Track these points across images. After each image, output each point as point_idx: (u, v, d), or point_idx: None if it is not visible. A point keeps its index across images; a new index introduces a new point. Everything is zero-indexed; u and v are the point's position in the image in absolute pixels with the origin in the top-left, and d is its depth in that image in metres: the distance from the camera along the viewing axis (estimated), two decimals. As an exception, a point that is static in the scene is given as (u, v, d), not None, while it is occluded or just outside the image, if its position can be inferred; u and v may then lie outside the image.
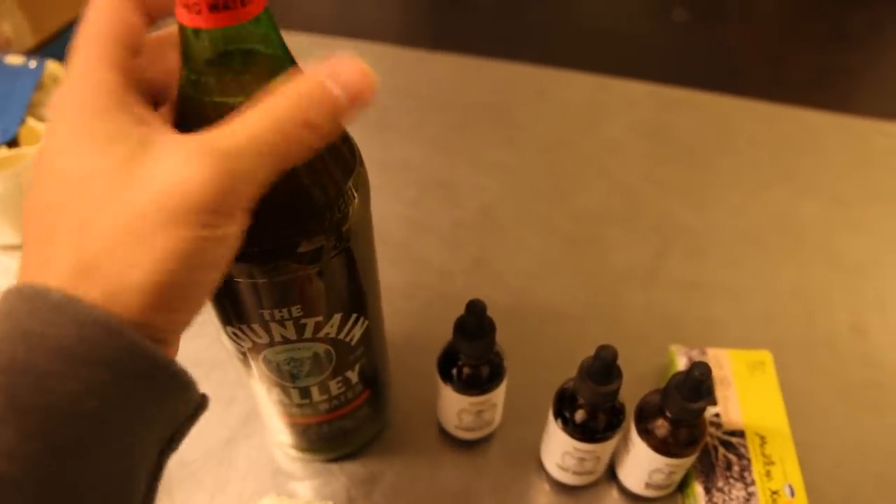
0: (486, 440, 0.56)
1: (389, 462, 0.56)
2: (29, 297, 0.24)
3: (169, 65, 0.30)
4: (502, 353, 0.51)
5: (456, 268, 0.68)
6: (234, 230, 0.26)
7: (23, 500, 0.21)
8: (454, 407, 0.52)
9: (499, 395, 0.51)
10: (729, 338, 0.61)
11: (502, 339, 0.49)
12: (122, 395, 0.24)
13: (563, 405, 0.48)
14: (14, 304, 0.24)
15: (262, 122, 0.26)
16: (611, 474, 0.54)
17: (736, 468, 0.52)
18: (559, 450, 0.50)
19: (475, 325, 0.46)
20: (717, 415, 0.54)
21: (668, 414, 0.46)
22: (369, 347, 0.45)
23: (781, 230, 0.70)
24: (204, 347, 0.61)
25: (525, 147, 0.77)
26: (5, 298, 0.24)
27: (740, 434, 0.54)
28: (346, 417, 0.50)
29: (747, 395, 0.56)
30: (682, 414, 0.45)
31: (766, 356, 0.58)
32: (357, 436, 0.54)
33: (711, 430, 0.54)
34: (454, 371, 0.49)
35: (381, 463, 0.56)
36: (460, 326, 0.47)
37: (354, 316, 0.41)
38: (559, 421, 0.48)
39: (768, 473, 0.51)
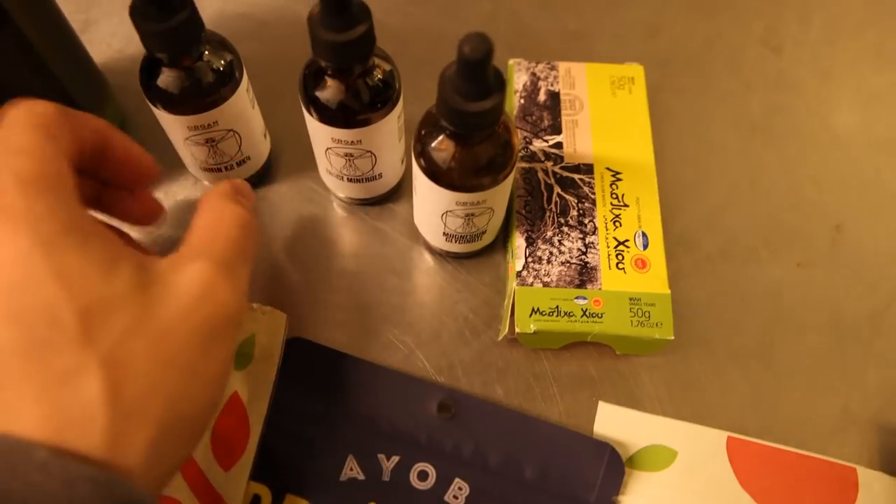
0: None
1: None
2: (6, 453, 0.20)
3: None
4: (235, 59, 0.35)
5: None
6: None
7: None
8: (178, 134, 0.36)
9: (232, 111, 0.35)
10: (597, 56, 0.44)
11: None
12: None
13: (310, 85, 0.33)
14: None
15: (236, 232, 0.27)
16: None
17: (573, 213, 0.37)
18: (321, 147, 0.36)
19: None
20: (557, 144, 0.39)
21: (445, 125, 0.30)
22: None
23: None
24: None
25: None
26: None
27: (587, 169, 0.39)
28: None
29: (603, 119, 0.40)
30: (461, 121, 0.29)
31: (635, 70, 0.42)
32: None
33: (547, 164, 0.39)
34: (154, 83, 0.34)
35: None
36: (133, 7, 0.30)
37: None
38: (312, 110, 0.33)
39: (616, 220, 0.37)
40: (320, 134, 0.34)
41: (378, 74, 0.33)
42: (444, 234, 0.36)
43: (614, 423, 0.35)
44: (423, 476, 0.32)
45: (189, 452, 0.25)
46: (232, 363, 0.25)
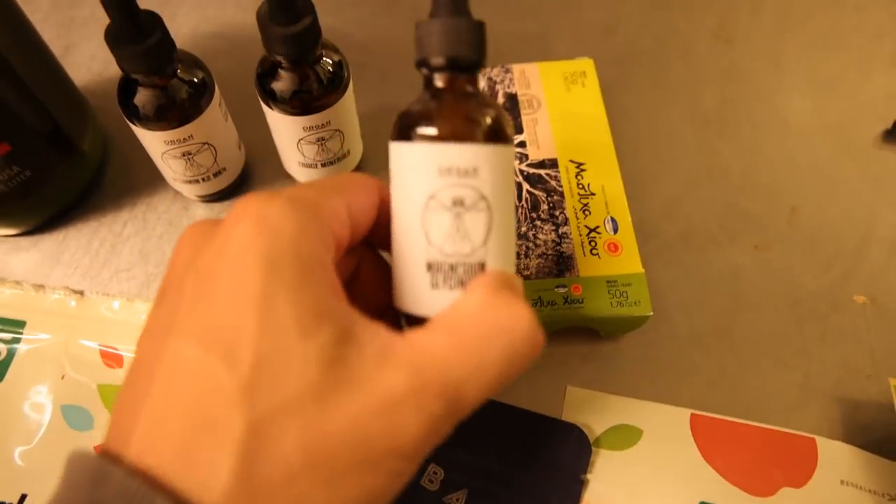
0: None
1: (103, 215, 0.43)
2: (125, 494, 0.18)
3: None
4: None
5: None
6: (417, 468, 0.21)
7: None
8: (156, 149, 0.38)
9: (206, 125, 0.37)
10: (557, 56, 0.46)
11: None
12: None
13: (266, 81, 0.36)
14: (108, 499, 0.18)
15: (499, 364, 0.21)
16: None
17: (544, 207, 0.39)
18: (292, 141, 0.38)
19: (122, 24, 0.32)
20: (521, 143, 0.41)
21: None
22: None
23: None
24: None
25: None
26: (101, 481, 0.18)
27: (551, 164, 0.41)
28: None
29: (561, 114, 0.42)
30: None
31: (586, 64, 0.44)
32: (37, 200, 0.40)
33: (515, 163, 0.40)
34: (131, 101, 0.36)
35: (94, 221, 0.43)
36: (107, 32, 0.33)
37: None
38: (270, 104, 0.36)
39: (585, 208, 0.39)
40: (290, 127, 0.37)
41: (331, 58, 0.36)
42: None
43: (582, 405, 0.37)
44: (400, 463, 0.34)
45: None
46: (389, 496, 0.21)
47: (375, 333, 0.21)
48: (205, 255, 0.22)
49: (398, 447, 0.20)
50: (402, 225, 0.25)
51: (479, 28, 0.25)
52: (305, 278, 0.20)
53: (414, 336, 0.21)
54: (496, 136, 0.25)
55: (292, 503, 0.19)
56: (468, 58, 0.25)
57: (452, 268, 0.25)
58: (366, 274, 0.28)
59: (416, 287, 0.25)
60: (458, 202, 0.25)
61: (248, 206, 0.22)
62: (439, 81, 0.26)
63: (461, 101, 0.26)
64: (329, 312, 0.20)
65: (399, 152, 0.26)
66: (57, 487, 0.20)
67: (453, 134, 0.25)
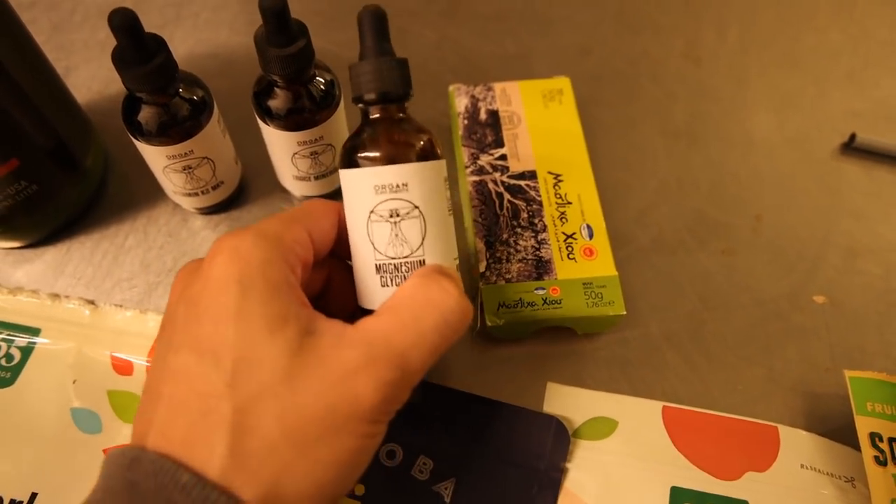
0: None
1: (106, 228, 0.45)
2: (156, 473, 0.23)
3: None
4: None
5: None
6: (384, 430, 0.26)
7: None
8: (157, 163, 0.40)
9: (206, 140, 0.39)
10: (535, 76, 0.49)
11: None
12: None
13: (262, 99, 0.38)
14: (142, 477, 0.23)
15: (435, 332, 0.26)
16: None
17: (524, 215, 0.42)
18: (286, 155, 0.40)
19: (129, 46, 0.34)
20: (502, 157, 0.44)
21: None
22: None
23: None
24: None
25: None
26: (135, 463, 0.23)
27: (531, 175, 0.43)
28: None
29: (540, 129, 0.45)
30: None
31: (563, 83, 0.47)
32: (43, 213, 0.42)
33: (496, 175, 0.43)
34: (135, 118, 0.38)
35: (96, 233, 0.45)
36: (114, 54, 0.35)
37: None
38: (267, 120, 0.38)
39: (562, 216, 0.42)
40: (285, 142, 0.39)
41: (323, 77, 0.38)
42: None
43: (561, 400, 0.39)
44: (391, 455, 0.36)
45: None
46: (362, 456, 0.25)
47: (332, 325, 0.26)
48: (192, 288, 0.26)
49: (359, 411, 0.24)
50: (354, 237, 0.30)
51: (402, 64, 0.30)
52: (272, 294, 0.25)
53: (362, 321, 0.26)
54: (422, 153, 0.30)
55: (275, 469, 0.23)
56: (395, 91, 0.30)
57: (397, 268, 0.30)
58: (336, 282, 0.33)
59: (370, 286, 0.30)
60: (394, 213, 0.29)
61: (223, 243, 0.27)
62: (374, 113, 0.31)
63: (393, 128, 0.31)
64: (294, 315, 0.25)
65: (345, 177, 0.30)
66: (98, 477, 0.25)
67: (382, 157, 0.29)
